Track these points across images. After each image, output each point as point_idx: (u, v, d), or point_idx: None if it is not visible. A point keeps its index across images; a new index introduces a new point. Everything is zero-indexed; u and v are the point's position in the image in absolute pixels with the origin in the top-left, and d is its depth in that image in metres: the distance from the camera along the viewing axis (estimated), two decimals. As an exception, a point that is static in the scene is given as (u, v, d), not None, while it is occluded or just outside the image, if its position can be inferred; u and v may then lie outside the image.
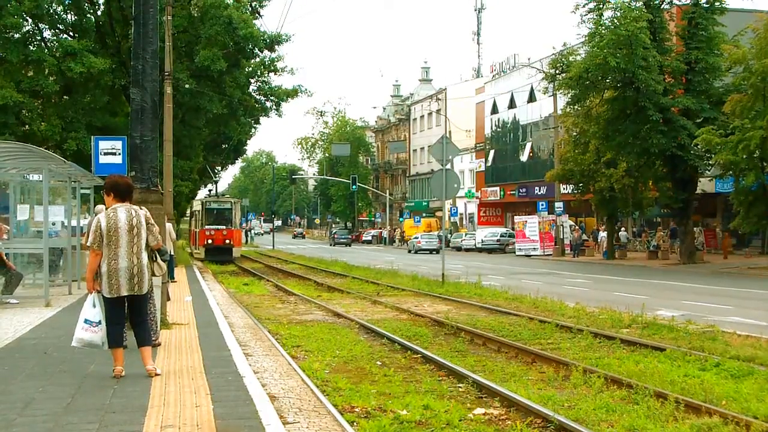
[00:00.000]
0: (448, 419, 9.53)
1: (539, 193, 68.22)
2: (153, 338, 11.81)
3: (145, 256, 9.78)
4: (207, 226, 49.52)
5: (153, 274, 10.05)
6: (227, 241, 49.51)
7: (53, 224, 22.38)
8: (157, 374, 9.89)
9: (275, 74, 42.85)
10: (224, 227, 49.57)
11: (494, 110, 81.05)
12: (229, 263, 47.89)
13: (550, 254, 58.25)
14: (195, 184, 54.36)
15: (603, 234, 55.98)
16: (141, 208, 10.07)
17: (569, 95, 46.18)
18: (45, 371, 10.29)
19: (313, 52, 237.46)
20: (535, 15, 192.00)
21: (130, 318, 9.99)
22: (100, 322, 9.73)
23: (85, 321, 9.73)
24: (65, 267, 22.09)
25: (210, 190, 67.70)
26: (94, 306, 9.74)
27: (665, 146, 41.88)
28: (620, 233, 53.99)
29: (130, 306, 9.88)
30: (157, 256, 10.10)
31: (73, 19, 37.51)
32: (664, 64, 43.02)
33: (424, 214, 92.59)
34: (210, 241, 49.04)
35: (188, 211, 66.07)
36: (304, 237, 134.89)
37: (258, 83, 43.88)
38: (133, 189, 10.29)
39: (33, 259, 21.22)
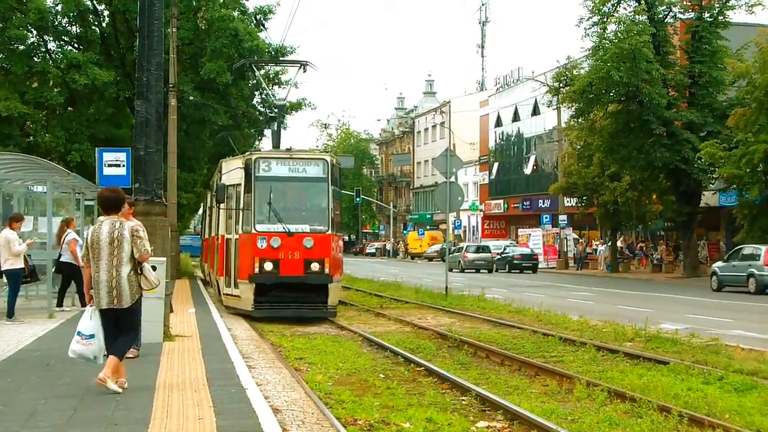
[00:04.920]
0: (451, 432, 9.51)
1: (543, 206, 68.17)
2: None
3: (125, 269, 9.56)
4: (260, 226, 21.44)
5: (140, 288, 9.77)
6: (316, 266, 21.31)
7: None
8: (104, 385, 9.48)
9: (279, 87, 42.92)
10: (308, 227, 21.75)
11: (498, 123, 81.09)
12: (318, 321, 21.81)
13: (554, 267, 58.21)
14: (199, 196, 52.97)
15: (602, 248, 56.18)
16: (130, 221, 9.86)
17: (573, 108, 46.30)
18: (48, 383, 10.29)
19: (317, 65, 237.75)
20: (539, 28, 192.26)
21: (115, 328, 9.84)
22: (92, 336, 9.66)
23: (78, 333, 9.73)
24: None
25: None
26: (90, 319, 9.72)
27: (669, 160, 41.94)
28: (620, 244, 54.15)
29: (115, 319, 9.80)
30: (143, 268, 9.76)
31: (78, 31, 37.62)
32: (668, 78, 43.12)
33: (428, 227, 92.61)
34: (270, 266, 21.12)
35: (207, 197, 35.27)
36: None
37: (262, 96, 43.95)
38: (120, 201, 9.97)
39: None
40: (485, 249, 57.88)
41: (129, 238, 9.60)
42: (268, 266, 21.05)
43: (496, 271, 55.08)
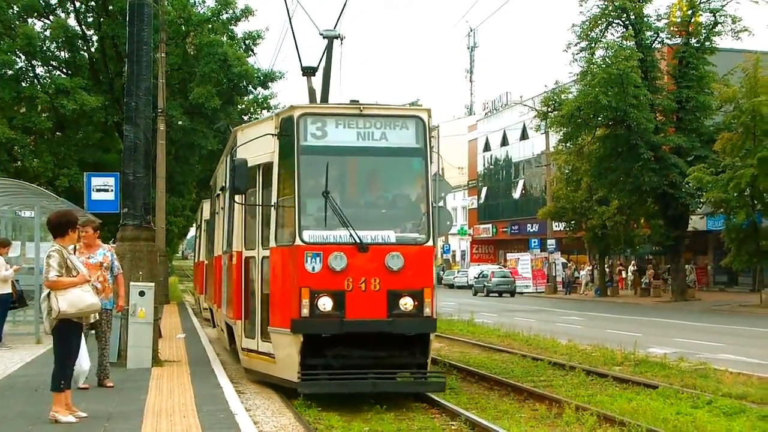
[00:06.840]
0: (441, 457, 9.47)
1: (531, 230, 68.27)
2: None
3: (43, 294, 9.40)
4: (310, 234, 12.31)
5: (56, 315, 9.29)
6: (409, 303, 12.35)
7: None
8: (56, 421, 9.45)
9: (268, 112, 42.90)
10: (394, 235, 12.89)
11: (487, 147, 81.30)
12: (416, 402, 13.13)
13: (543, 291, 58.23)
14: (188, 220, 52.50)
15: (583, 272, 56.49)
16: (55, 246, 9.41)
17: (561, 133, 46.42)
18: (35, 409, 10.22)
19: (305, 90, 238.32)
20: (527, 53, 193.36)
21: None
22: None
23: None
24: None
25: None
26: None
27: (657, 184, 42.08)
28: (629, 268, 54.70)
29: None
30: (46, 295, 9.32)
31: (67, 56, 37.64)
32: (656, 103, 43.36)
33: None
34: (328, 304, 12.06)
35: (201, 209, 31.73)
36: None
37: (251, 121, 43.95)
38: (60, 226, 9.49)
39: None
40: None
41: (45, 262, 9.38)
42: (326, 304, 12.12)
43: None
